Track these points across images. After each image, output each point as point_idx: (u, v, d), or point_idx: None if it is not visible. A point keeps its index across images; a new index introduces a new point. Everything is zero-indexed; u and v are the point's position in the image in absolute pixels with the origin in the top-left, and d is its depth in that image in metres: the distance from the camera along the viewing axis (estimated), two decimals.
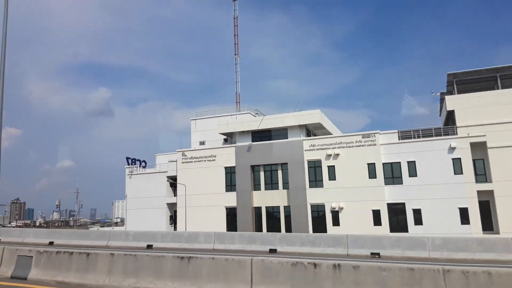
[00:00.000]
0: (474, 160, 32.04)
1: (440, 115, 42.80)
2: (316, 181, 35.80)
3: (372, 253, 16.30)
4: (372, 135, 34.69)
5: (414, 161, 33.52)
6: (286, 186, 36.91)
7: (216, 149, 40.16)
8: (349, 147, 35.06)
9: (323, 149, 35.72)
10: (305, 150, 36.29)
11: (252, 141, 39.06)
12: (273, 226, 36.67)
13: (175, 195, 42.02)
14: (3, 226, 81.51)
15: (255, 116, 43.73)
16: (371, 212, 33.44)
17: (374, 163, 34.10)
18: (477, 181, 31.92)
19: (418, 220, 32.76)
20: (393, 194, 33.64)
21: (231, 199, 38.23)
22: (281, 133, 38.75)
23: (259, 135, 39.58)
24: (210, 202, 38.58)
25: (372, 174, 34.07)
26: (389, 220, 33.20)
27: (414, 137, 34.48)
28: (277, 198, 37.19)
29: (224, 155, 39.15)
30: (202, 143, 44.54)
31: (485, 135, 31.68)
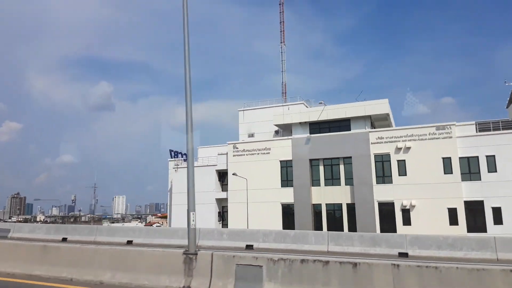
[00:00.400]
0: None
1: (507, 107, 39.81)
2: (384, 177, 33.07)
3: None
4: (448, 127, 31.86)
5: (494, 155, 30.76)
6: (349, 182, 34.18)
7: (270, 141, 37.46)
8: (422, 139, 32.25)
9: (393, 142, 32.91)
10: (372, 143, 33.50)
11: (310, 133, 36.31)
12: (335, 225, 33.98)
13: (223, 190, 39.49)
14: (4, 221, 78.79)
15: (307, 107, 40.85)
16: (447, 210, 30.76)
17: (450, 157, 31.31)
18: None
19: (497, 220, 30.13)
20: (470, 191, 30.90)
21: (287, 195, 35.61)
22: (342, 124, 36.04)
23: (318, 126, 36.92)
24: (264, 198, 35.97)
25: (447, 169, 31.29)
26: (466, 219, 30.58)
27: (493, 129, 31.68)
28: (338, 194, 34.49)
29: (280, 147, 36.44)
30: (251, 135, 41.76)
31: None
